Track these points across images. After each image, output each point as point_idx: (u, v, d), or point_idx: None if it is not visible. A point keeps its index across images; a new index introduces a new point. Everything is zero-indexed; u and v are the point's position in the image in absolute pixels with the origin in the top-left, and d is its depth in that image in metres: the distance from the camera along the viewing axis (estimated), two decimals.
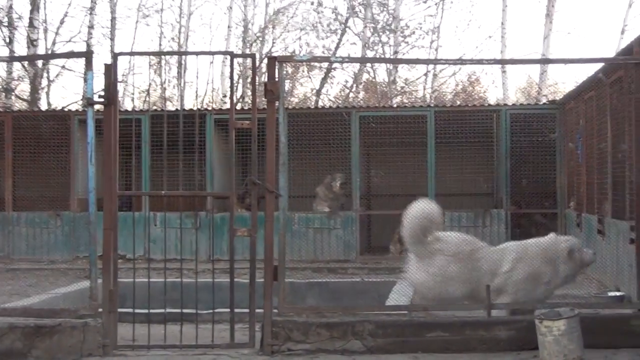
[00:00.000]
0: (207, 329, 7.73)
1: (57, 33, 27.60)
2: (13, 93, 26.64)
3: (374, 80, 31.56)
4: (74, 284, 11.88)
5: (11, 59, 24.90)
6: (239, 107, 24.03)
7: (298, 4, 31.38)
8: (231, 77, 8.30)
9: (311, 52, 29.68)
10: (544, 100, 23.70)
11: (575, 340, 6.88)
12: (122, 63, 29.52)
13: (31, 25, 24.62)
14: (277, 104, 7.70)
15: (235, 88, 16.44)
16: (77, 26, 44.57)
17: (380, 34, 29.20)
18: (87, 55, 7.76)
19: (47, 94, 28.03)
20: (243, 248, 10.48)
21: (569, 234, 12.47)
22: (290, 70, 30.44)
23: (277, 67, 7.71)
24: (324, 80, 30.42)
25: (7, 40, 25.58)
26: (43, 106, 25.61)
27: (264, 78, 8.16)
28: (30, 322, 7.60)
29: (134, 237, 8.18)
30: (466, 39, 60.98)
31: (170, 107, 24.22)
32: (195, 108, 17.60)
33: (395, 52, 28.73)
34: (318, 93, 30.52)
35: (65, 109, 19.79)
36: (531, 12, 59.03)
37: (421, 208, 8.77)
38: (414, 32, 29.49)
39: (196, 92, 28.20)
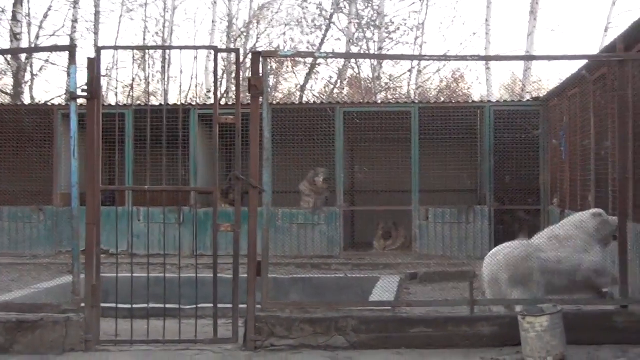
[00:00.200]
0: (191, 324, 7.72)
1: (40, 27, 27.42)
2: None
3: (358, 76, 31.62)
4: (56, 279, 11.85)
5: None
6: (223, 102, 23.96)
7: None
8: (215, 72, 8.28)
9: (295, 48, 29.67)
10: (527, 97, 23.75)
11: (558, 336, 6.91)
12: (106, 57, 29.30)
13: (14, 18, 24.39)
14: (261, 99, 7.69)
15: (219, 83, 16.41)
16: (61, 20, 44.45)
17: (365, 30, 29.26)
18: (71, 49, 7.71)
19: (31, 88, 27.84)
20: (227, 243, 10.48)
21: None
22: (274, 65, 30.39)
23: (261, 62, 7.69)
24: (308, 76, 30.46)
25: None
26: (26, 100, 25.42)
27: (248, 73, 8.14)
28: (12, 317, 7.56)
29: (117, 232, 8.18)
30: (451, 36, 61.26)
31: (154, 101, 24.06)
32: (179, 103, 17.53)
33: (380, 48, 28.77)
34: (302, 89, 30.55)
35: (49, 103, 19.68)
36: (515, 9, 59.23)
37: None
38: (398, 28, 29.63)
39: (180, 87, 28.15)
